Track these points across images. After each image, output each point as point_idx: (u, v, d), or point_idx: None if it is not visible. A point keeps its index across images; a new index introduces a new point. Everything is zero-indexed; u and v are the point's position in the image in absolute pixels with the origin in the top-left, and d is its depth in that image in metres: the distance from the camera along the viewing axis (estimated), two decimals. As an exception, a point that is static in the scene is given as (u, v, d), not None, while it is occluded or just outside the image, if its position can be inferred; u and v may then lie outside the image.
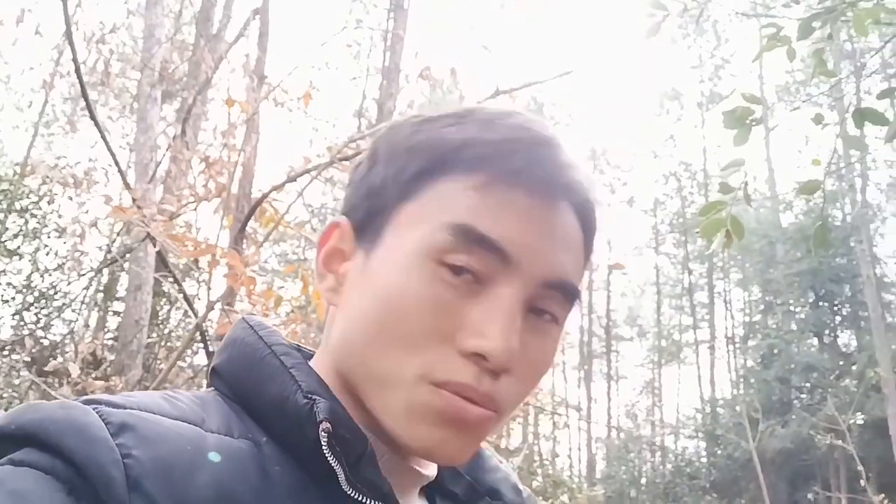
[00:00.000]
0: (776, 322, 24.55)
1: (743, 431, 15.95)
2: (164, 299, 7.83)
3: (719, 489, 23.23)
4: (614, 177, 31.77)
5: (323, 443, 0.53)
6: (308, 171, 3.86)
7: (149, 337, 6.87)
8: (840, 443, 10.55)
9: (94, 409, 0.50)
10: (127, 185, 3.87)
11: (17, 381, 6.94)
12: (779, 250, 24.47)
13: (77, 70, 3.71)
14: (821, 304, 24.06)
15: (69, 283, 8.20)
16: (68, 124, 13.05)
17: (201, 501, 0.48)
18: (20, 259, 8.30)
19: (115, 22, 7.19)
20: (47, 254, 8.40)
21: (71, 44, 3.68)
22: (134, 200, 3.54)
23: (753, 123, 2.56)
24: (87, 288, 8.04)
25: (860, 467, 9.48)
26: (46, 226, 8.34)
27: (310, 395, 0.55)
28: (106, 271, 8.42)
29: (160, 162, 6.16)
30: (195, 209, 4.17)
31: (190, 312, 3.89)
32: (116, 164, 3.97)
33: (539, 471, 14.60)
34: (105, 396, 0.52)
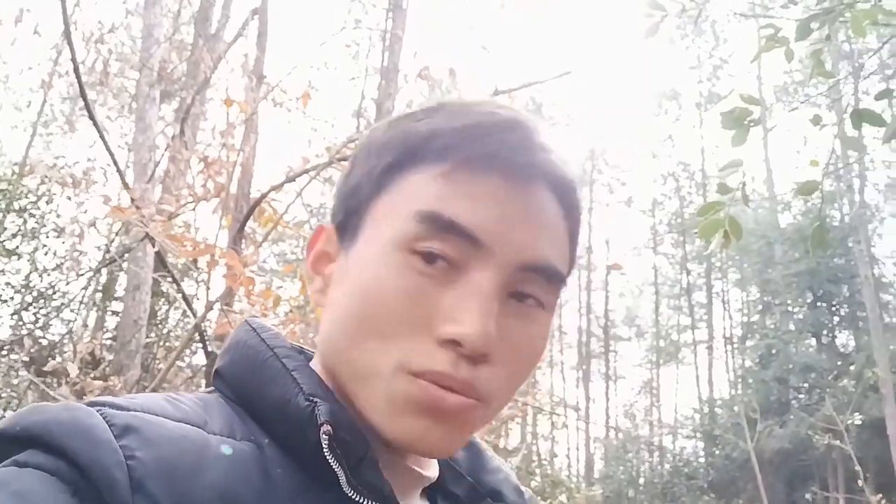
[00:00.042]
0: (774, 322, 24.56)
1: (741, 431, 15.96)
2: (163, 299, 7.83)
3: (717, 489, 23.25)
4: (613, 177, 31.83)
5: (324, 445, 0.53)
6: (307, 172, 3.86)
7: (147, 337, 6.86)
8: (838, 443, 10.58)
9: (97, 412, 0.50)
10: (126, 185, 3.87)
11: (15, 381, 6.94)
12: (777, 251, 24.48)
13: (76, 70, 3.71)
14: (819, 304, 24.06)
15: (68, 283, 8.19)
16: (67, 124, 13.05)
17: (204, 503, 0.48)
18: (19, 259, 8.29)
19: (113, 22, 7.19)
20: (46, 254, 8.40)
21: (70, 44, 3.68)
22: (133, 200, 3.54)
23: (752, 124, 2.56)
24: (85, 288, 8.04)
25: (858, 467, 9.49)
26: (45, 226, 8.33)
27: (311, 398, 0.55)
28: (104, 271, 8.42)
29: (159, 162, 6.15)
30: (194, 209, 4.16)
31: (189, 312, 3.89)
32: (115, 163, 3.97)
33: (537, 471, 14.59)
34: (109, 399, 0.53)
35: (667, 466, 27.03)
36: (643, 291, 32.75)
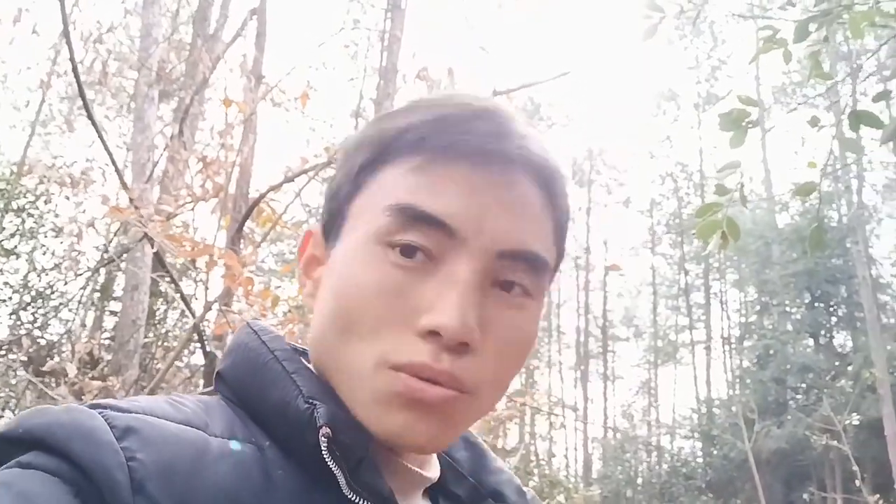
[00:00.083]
0: (772, 323, 24.59)
1: (739, 432, 15.97)
2: (161, 299, 7.83)
3: (715, 489, 23.26)
4: (611, 177, 31.87)
5: (323, 448, 0.54)
6: (305, 172, 3.86)
7: (146, 337, 6.86)
8: (835, 443, 10.58)
9: (99, 414, 0.50)
10: (124, 185, 3.85)
11: (13, 381, 6.93)
12: (775, 251, 24.51)
13: (74, 70, 3.70)
14: (817, 304, 24.10)
15: (66, 283, 8.19)
16: (65, 123, 13.03)
17: None
18: (17, 258, 8.28)
19: (112, 21, 7.19)
20: (44, 253, 8.39)
21: (68, 43, 3.67)
22: (131, 200, 3.54)
23: (750, 126, 2.57)
24: (83, 288, 8.02)
25: (855, 468, 9.48)
26: (43, 225, 8.32)
27: (310, 401, 0.56)
28: (103, 271, 8.41)
29: (157, 162, 6.15)
30: (192, 209, 4.16)
31: (187, 312, 3.89)
32: (114, 163, 3.95)
33: (535, 471, 14.59)
34: (111, 401, 0.53)
35: (665, 466, 27.05)
36: (641, 292, 32.80)
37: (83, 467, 0.47)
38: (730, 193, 2.56)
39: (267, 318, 3.37)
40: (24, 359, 6.47)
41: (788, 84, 24.19)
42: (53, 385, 5.09)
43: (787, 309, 24.41)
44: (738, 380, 26.46)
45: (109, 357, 6.41)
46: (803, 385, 22.49)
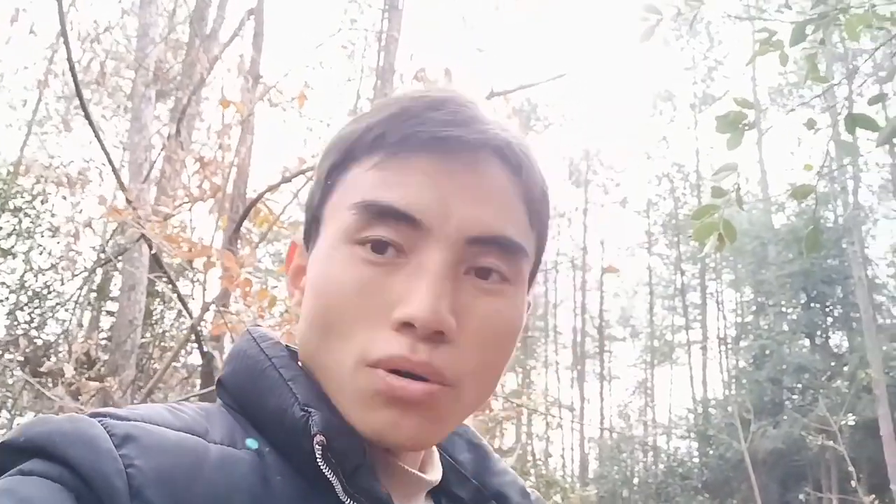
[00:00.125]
0: (768, 323, 24.61)
1: (735, 432, 15.99)
2: (158, 299, 7.82)
3: (711, 489, 23.28)
4: (607, 178, 31.86)
5: (317, 455, 0.54)
6: (303, 172, 3.86)
7: (142, 337, 6.85)
8: (831, 443, 10.58)
9: (99, 422, 0.51)
10: (121, 185, 3.85)
11: (10, 381, 6.92)
12: (771, 251, 24.54)
13: (72, 69, 3.69)
14: (812, 305, 24.12)
15: (63, 283, 8.18)
16: (62, 123, 12.99)
17: None
18: (14, 258, 8.27)
19: (109, 21, 7.17)
20: (41, 253, 8.39)
21: (66, 43, 3.66)
22: (129, 201, 3.54)
23: (746, 128, 2.57)
24: (80, 288, 8.01)
25: (851, 468, 9.49)
26: (40, 225, 8.31)
27: (306, 408, 0.56)
28: (99, 271, 8.40)
29: (154, 162, 6.14)
30: (190, 210, 4.16)
31: (184, 312, 3.88)
32: (111, 163, 3.95)
33: (532, 471, 14.61)
34: (111, 410, 0.54)
35: (661, 466, 27.06)
36: (638, 292, 32.80)
37: (83, 474, 0.48)
38: (726, 196, 2.56)
39: (265, 318, 3.37)
40: (21, 359, 6.46)
41: (785, 85, 24.22)
42: (50, 385, 5.08)
43: (783, 309, 24.43)
44: (734, 380, 26.48)
45: (106, 357, 6.40)
46: (799, 385, 22.51)
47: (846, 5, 2.51)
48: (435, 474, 0.65)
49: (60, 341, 7.77)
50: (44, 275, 8.30)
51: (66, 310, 8.20)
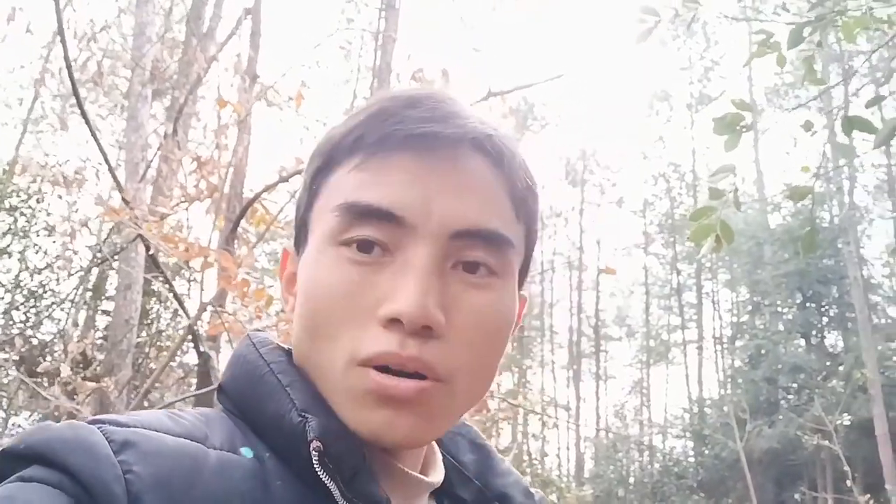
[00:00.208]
0: (764, 323, 24.66)
1: (730, 431, 16.03)
2: (154, 298, 7.81)
3: (707, 489, 23.33)
4: (604, 177, 31.90)
5: (314, 460, 0.54)
6: (300, 172, 3.84)
7: (138, 337, 6.84)
8: (827, 443, 10.63)
9: (98, 429, 0.51)
10: (118, 185, 3.84)
11: (6, 381, 6.91)
12: (766, 251, 24.58)
13: (68, 68, 3.68)
14: (808, 305, 24.18)
15: (59, 282, 8.17)
16: (58, 122, 12.96)
17: None
18: (9, 257, 8.26)
19: (105, 20, 7.15)
20: (37, 252, 8.37)
21: (63, 42, 3.65)
22: (126, 201, 3.53)
23: (744, 130, 2.58)
24: (76, 287, 8.00)
25: (846, 468, 9.54)
26: (36, 224, 8.30)
27: (303, 414, 0.56)
28: (95, 270, 8.38)
29: (151, 161, 6.12)
30: (186, 209, 4.15)
31: (181, 312, 3.88)
32: (107, 162, 3.94)
33: (528, 470, 14.63)
34: (111, 416, 0.54)
35: (657, 466, 27.10)
36: (634, 291, 32.83)
37: (82, 481, 0.48)
38: (723, 197, 2.56)
39: (262, 318, 3.37)
40: (17, 358, 6.45)
41: (781, 85, 24.23)
42: (46, 385, 5.07)
43: (779, 309, 24.48)
44: (729, 379, 26.53)
45: (102, 357, 6.39)
46: (795, 385, 22.57)
47: (843, 8, 2.51)
48: (437, 476, 0.65)
49: (56, 341, 7.76)
50: (39, 274, 8.29)
51: (62, 309, 8.19)
